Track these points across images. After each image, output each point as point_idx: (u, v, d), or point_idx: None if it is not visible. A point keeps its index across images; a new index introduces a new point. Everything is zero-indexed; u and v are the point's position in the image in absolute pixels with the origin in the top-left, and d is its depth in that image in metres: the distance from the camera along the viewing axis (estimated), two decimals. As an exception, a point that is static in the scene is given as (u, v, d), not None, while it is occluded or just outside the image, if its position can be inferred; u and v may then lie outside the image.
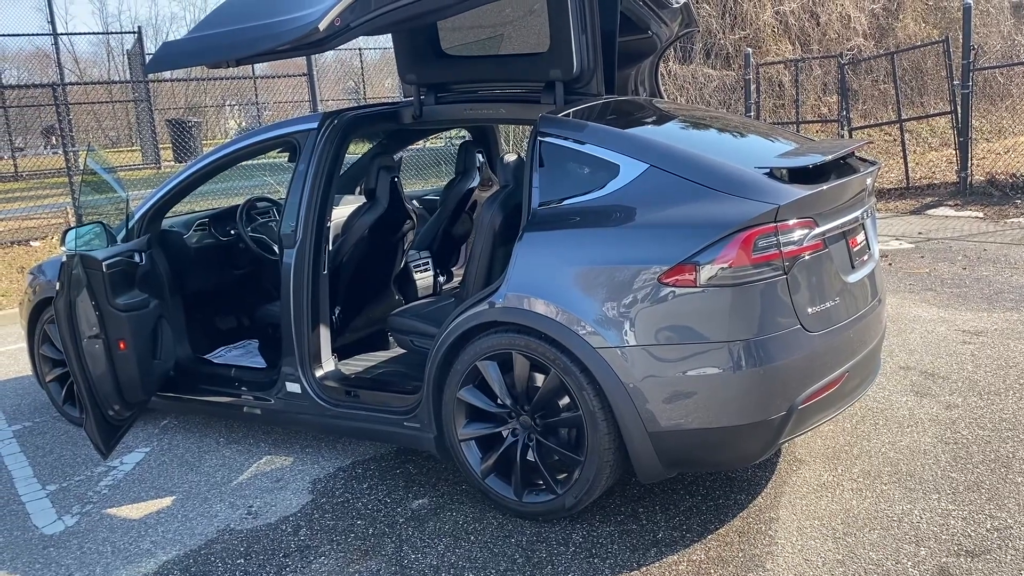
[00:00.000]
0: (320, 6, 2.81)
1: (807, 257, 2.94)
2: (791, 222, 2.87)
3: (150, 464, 4.08)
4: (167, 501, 3.67)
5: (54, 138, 21.54)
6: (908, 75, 13.78)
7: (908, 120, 11.62)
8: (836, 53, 12.36)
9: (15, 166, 17.99)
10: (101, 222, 3.91)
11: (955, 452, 3.53)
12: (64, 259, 3.63)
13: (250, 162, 4.47)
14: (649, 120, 3.70)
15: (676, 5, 4.16)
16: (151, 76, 16.79)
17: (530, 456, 3.20)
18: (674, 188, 2.99)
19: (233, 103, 33.02)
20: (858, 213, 3.26)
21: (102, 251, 3.79)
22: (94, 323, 3.66)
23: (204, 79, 30.17)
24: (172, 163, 18.10)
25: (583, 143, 3.21)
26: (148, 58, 20.42)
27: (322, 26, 2.73)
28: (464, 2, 3.34)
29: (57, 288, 3.63)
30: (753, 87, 11.31)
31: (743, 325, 2.83)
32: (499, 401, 3.24)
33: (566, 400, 3.10)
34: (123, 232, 4.10)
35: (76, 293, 3.62)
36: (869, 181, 3.39)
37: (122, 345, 3.76)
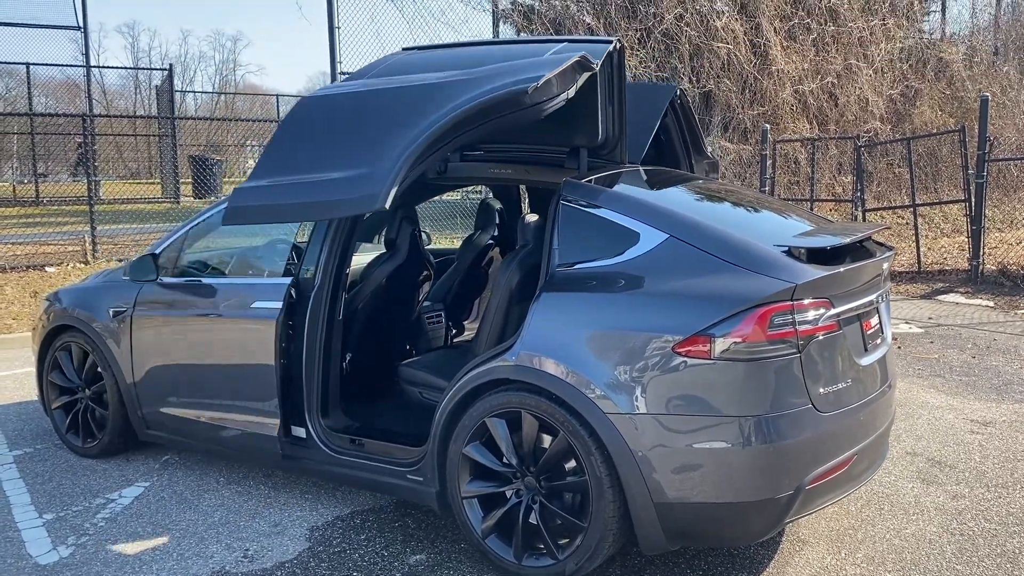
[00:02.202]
0: (385, 163, 2.86)
1: (821, 337, 2.95)
2: (807, 301, 2.90)
3: (149, 499, 4.05)
4: (164, 539, 3.64)
5: (81, 168, 21.85)
6: (923, 160, 13.94)
7: (922, 205, 11.72)
8: (853, 135, 12.53)
9: (37, 192, 18.23)
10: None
11: (961, 544, 3.49)
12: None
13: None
14: (670, 190, 3.76)
15: (710, 159, 4.37)
16: (176, 113, 17.09)
17: (532, 519, 3.17)
18: (692, 260, 3.02)
19: (254, 144, 33.55)
20: (873, 297, 3.29)
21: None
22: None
23: (227, 120, 30.71)
24: (191, 199, 18.31)
25: (604, 209, 3.26)
26: (176, 94, 20.83)
27: (386, 204, 2.80)
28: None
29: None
30: (769, 162, 11.46)
31: (755, 401, 2.84)
32: (505, 460, 3.23)
33: (572, 464, 3.09)
34: None
35: None
36: (885, 266, 3.43)
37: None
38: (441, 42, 13.01)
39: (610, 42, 3.40)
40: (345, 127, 3.16)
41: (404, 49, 3.91)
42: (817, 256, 3.06)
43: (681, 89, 3.42)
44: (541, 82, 2.95)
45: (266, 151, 3.25)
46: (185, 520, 3.82)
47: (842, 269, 3.04)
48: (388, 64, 3.68)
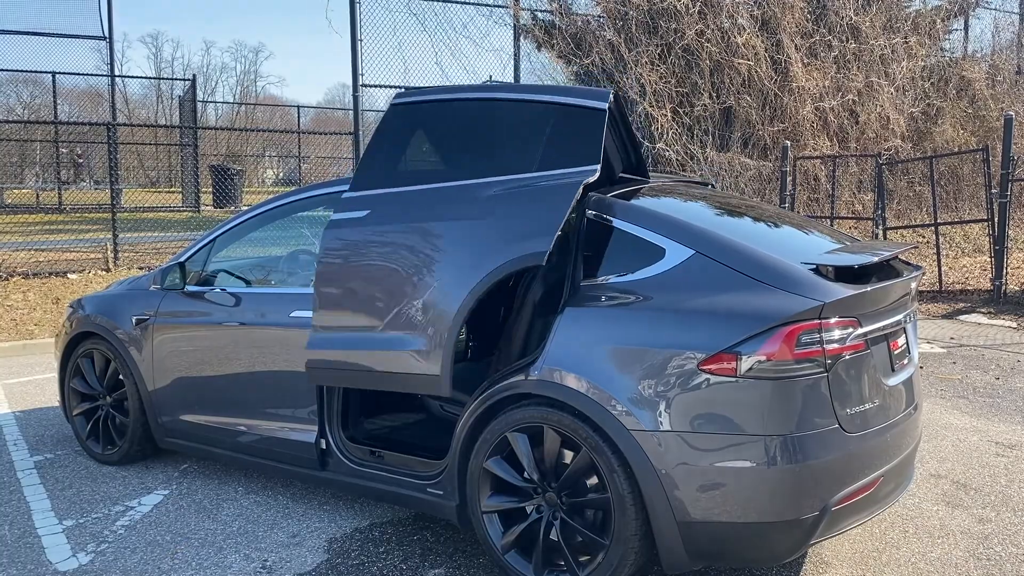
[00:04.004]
0: None
1: (849, 357, 2.92)
2: (835, 320, 2.87)
3: (168, 508, 4.06)
4: (182, 547, 3.64)
5: (81, 162, 22.08)
6: (944, 179, 13.84)
7: (943, 224, 11.63)
8: (874, 152, 12.47)
9: (60, 198, 18.42)
10: None
11: (987, 569, 3.43)
12: None
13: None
14: (694, 205, 3.74)
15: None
16: (199, 122, 17.29)
17: (553, 535, 3.15)
18: (719, 276, 3.00)
19: (273, 154, 33.84)
20: (900, 316, 3.25)
21: None
22: None
23: (248, 130, 30.97)
24: (211, 208, 18.44)
25: (630, 224, 3.25)
26: (198, 104, 21.03)
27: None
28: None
29: None
30: (789, 179, 11.41)
31: (781, 420, 2.81)
32: (526, 475, 3.21)
33: (594, 480, 3.06)
34: None
35: None
36: (913, 285, 3.39)
37: None
38: (462, 56, 13.08)
39: (605, 98, 3.33)
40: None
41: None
42: (844, 274, 3.03)
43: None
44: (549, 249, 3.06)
45: None
46: (204, 529, 3.82)
47: (870, 288, 3.01)
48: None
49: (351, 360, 3.49)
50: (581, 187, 3.13)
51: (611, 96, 3.33)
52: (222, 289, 4.28)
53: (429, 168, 3.70)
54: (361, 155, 3.66)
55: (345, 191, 3.96)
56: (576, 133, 3.29)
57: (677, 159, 12.05)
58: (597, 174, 3.15)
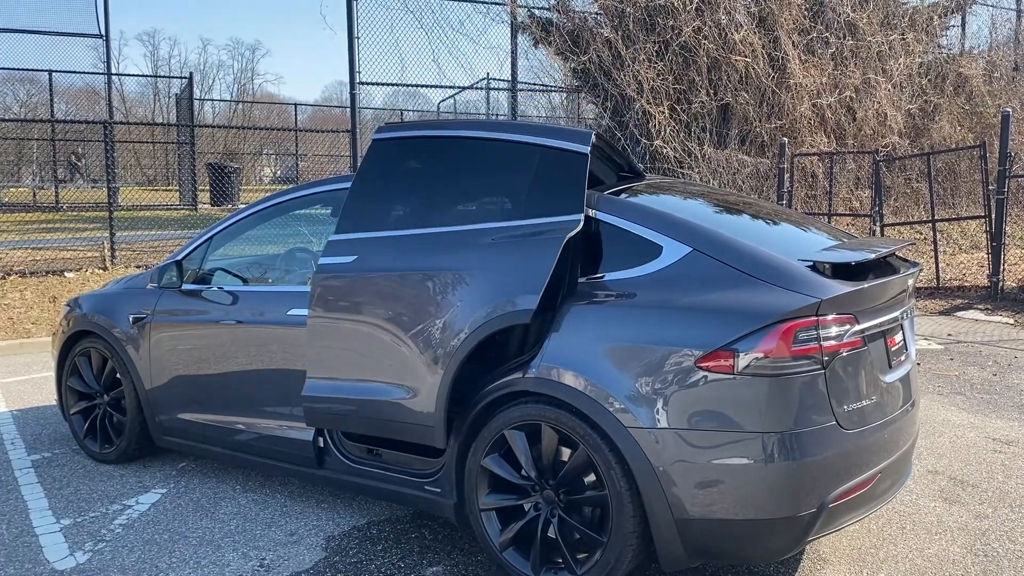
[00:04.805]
0: None
1: (846, 353, 2.92)
2: (832, 317, 2.87)
3: (165, 506, 4.06)
4: (180, 546, 3.63)
5: (79, 164, 22.06)
6: (941, 176, 13.85)
7: (941, 221, 11.64)
8: (871, 149, 12.47)
9: (56, 197, 18.39)
10: None
11: (985, 565, 3.44)
12: None
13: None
14: (692, 203, 3.74)
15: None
16: (196, 120, 17.29)
17: (551, 532, 3.15)
18: (716, 273, 3.00)
19: (270, 152, 33.81)
20: (898, 313, 3.26)
21: None
22: None
23: (245, 128, 30.94)
24: (209, 206, 18.42)
25: (627, 221, 3.24)
26: (195, 102, 20.99)
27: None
28: None
29: None
30: (787, 176, 11.41)
31: (778, 417, 2.81)
32: (524, 473, 3.21)
33: (592, 478, 3.06)
34: None
35: None
36: (910, 282, 3.39)
37: None
38: (459, 54, 13.06)
39: (587, 140, 3.31)
40: None
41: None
42: (842, 271, 3.03)
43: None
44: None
45: None
46: (201, 528, 3.82)
47: (867, 285, 3.02)
48: None
49: (347, 408, 3.53)
50: (564, 241, 3.10)
51: (593, 137, 3.33)
52: (219, 287, 4.28)
53: (415, 210, 3.69)
54: (347, 199, 3.69)
55: (342, 186, 3.97)
56: (559, 178, 3.30)
57: (675, 156, 12.04)
58: (580, 225, 3.14)
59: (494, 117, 16.52)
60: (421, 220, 3.55)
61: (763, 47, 12.56)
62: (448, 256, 3.33)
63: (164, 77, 41.68)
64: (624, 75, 12.06)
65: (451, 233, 3.39)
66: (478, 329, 3.16)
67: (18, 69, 21.35)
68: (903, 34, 14.03)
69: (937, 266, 10.60)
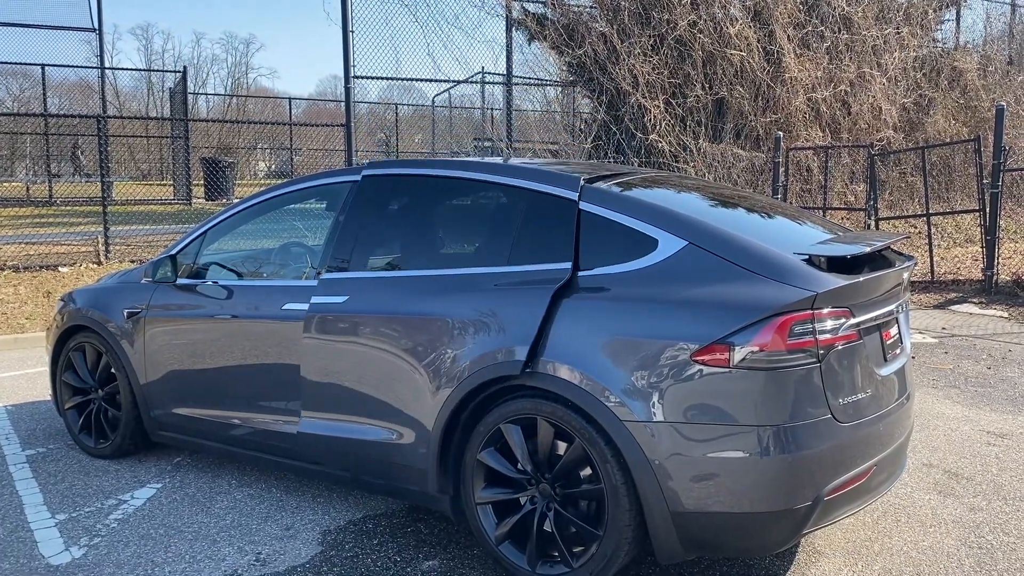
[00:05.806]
0: None
1: (841, 347, 2.93)
2: (827, 310, 2.87)
3: (161, 501, 4.05)
4: (176, 541, 3.63)
5: (81, 159, 22.01)
6: (936, 170, 13.87)
7: (935, 214, 11.66)
8: (866, 143, 12.48)
9: (50, 192, 18.32)
10: None
11: (979, 557, 3.45)
12: None
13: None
14: (687, 196, 3.74)
15: None
16: (190, 115, 17.23)
17: (547, 526, 3.15)
18: (712, 267, 3.00)
19: (264, 146, 33.72)
20: (893, 307, 3.26)
21: None
22: None
23: (239, 122, 30.82)
24: (203, 200, 18.37)
25: (622, 215, 3.24)
26: (189, 96, 20.94)
27: None
28: None
29: None
30: (782, 170, 11.42)
31: (773, 410, 2.81)
32: (520, 466, 3.21)
33: (588, 471, 3.06)
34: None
35: None
36: (905, 275, 3.40)
37: None
38: (454, 48, 12.98)
39: (576, 186, 3.33)
40: None
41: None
42: (837, 265, 3.03)
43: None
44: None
45: None
46: (197, 522, 3.81)
47: (863, 278, 3.02)
48: None
49: (344, 448, 3.65)
50: (554, 292, 3.11)
51: (582, 181, 3.36)
52: (214, 282, 4.27)
53: (404, 250, 3.79)
54: (336, 231, 3.81)
55: (337, 180, 3.95)
56: (548, 225, 3.34)
57: (670, 150, 12.04)
58: (570, 274, 3.16)
59: (489, 112, 16.49)
60: (411, 262, 3.70)
61: (758, 41, 12.55)
62: (438, 302, 3.41)
63: (158, 71, 41.55)
64: (619, 69, 12.05)
65: (441, 277, 3.48)
66: (465, 380, 3.24)
67: (11, 63, 21.25)
68: (898, 28, 14.04)
69: (932, 260, 10.62)
